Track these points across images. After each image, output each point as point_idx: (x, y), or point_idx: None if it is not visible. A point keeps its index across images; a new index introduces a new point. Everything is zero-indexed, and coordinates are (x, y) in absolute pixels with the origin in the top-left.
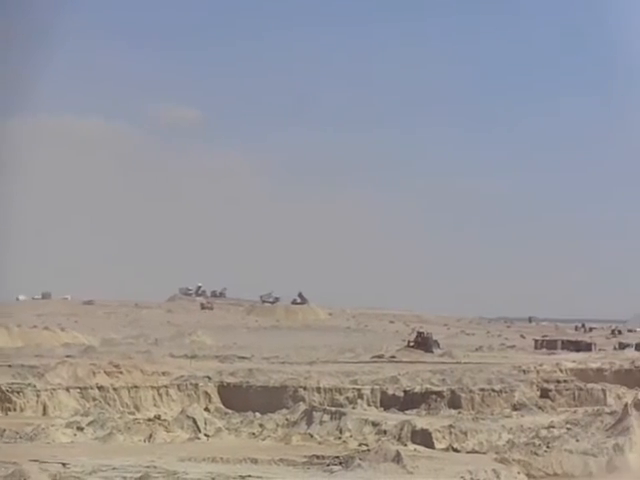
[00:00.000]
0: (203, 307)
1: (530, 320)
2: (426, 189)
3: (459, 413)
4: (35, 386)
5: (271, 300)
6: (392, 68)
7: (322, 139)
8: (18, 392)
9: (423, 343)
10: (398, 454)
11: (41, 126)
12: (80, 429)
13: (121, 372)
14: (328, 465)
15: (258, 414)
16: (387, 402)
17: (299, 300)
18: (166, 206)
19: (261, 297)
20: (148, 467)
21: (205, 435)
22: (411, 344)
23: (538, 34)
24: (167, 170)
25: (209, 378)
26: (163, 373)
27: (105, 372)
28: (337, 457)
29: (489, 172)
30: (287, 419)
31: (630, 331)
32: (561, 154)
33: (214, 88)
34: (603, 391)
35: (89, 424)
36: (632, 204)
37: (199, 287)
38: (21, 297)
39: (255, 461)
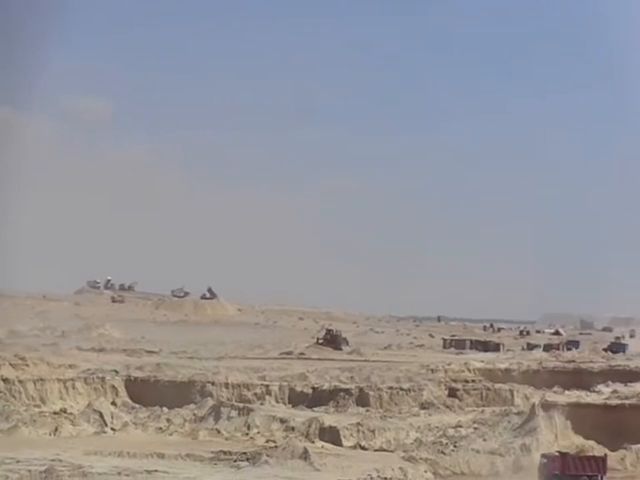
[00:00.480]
0: (114, 300)
1: (439, 319)
2: (333, 187)
3: (367, 411)
4: None
5: (181, 295)
6: (280, 68)
7: (234, 136)
8: None
9: (332, 340)
10: (305, 451)
11: None
12: None
13: (27, 365)
14: (235, 461)
15: (165, 409)
16: (295, 399)
17: (208, 295)
18: (76, 197)
19: (172, 292)
20: (53, 460)
21: (112, 429)
22: (320, 341)
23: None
24: (78, 161)
25: (116, 372)
26: (70, 366)
27: (10, 364)
28: (244, 453)
29: (392, 170)
30: (195, 414)
31: (538, 332)
32: (465, 157)
33: (125, 79)
34: (511, 391)
35: None
36: (542, 207)
37: (108, 280)
38: None
39: (162, 456)
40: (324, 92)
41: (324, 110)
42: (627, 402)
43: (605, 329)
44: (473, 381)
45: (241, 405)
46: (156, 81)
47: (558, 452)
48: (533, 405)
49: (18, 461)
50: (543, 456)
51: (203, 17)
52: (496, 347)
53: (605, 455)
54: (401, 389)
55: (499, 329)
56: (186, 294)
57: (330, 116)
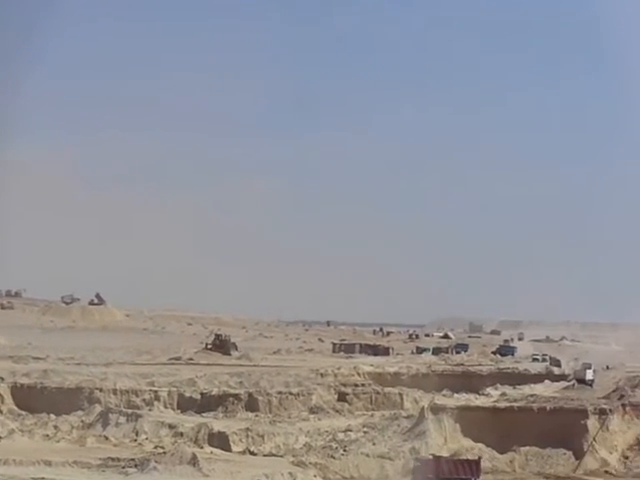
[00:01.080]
0: (2, 307)
1: (328, 324)
2: (221, 190)
3: (256, 416)
4: None
5: (69, 301)
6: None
7: (121, 139)
8: None
9: (221, 346)
10: (194, 457)
11: None
12: None
13: None
14: (123, 467)
15: (53, 415)
16: (184, 404)
17: (96, 301)
18: None
19: (62, 298)
20: None
21: None
22: (209, 346)
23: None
24: None
25: (2, 379)
26: None
27: None
28: (132, 459)
29: (276, 172)
30: (82, 421)
31: (427, 335)
32: (348, 157)
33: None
34: (400, 395)
35: None
36: (430, 210)
37: None
38: None
39: (49, 463)
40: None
41: (206, 115)
42: (516, 405)
43: (493, 332)
44: (363, 385)
45: (129, 411)
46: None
47: (432, 455)
48: (422, 409)
49: None
50: (416, 460)
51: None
52: (385, 351)
53: (479, 458)
54: (290, 394)
55: (389, 333)
56: (75, 300)
57: (203, 122)
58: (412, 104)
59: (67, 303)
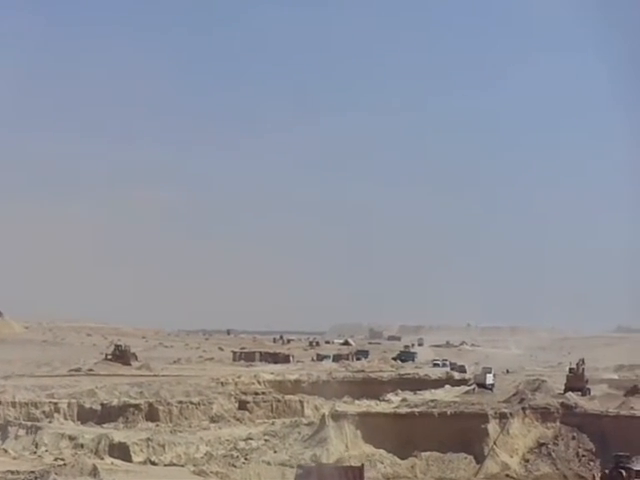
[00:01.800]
0: None
1: (229, 332)
2: (121, 200)
3: (157, 426)
4: None
5: None
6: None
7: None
8: None
9: (121, 356)
10: (95, 468)
11: None
12: None
13: None
14: None
15: None
16: (84, 416)
17: None
18: None
19: None
20: None
21: None
22: (109, 357)
23: None
24: None
25: None
26: None
27: None
28: (32, 472)
29: (186, 181)
30: None
31: (327, 342)
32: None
33: None
34: (301, 402)
35: None
36: (330, 217)
37: None
38: None
39: None
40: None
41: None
42: (417, 410)
43: (393, 338)
44: (263, 393)
45: (29, 424)
46: None
47: (314, 463)
48: (323, 416)
49: None
50: (299, 467)
51: None
52: (286, 359)
53: (362, 465)
54: (191, 403)
55: (289, 340)
56: None
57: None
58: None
59: None
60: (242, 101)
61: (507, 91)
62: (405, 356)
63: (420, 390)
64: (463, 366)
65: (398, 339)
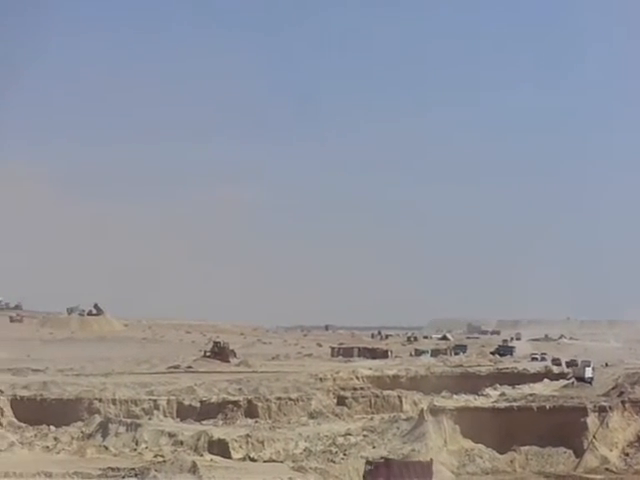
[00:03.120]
0: (12, 320)
1: (327, 328)
2: (216, 199)
3: (256, 422)
4: None
5: (74, 312)
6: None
7: (112, 151)
8: None
9: (219, 353)
10: (194, 465)
11: None
12: None
13: None
14: (123, 477)
15: (53, 427)
16: (183, 413)
17: (95, 311)
18: None
19: (68, 309)
20: None
21: None
22: (208, 354)
23: None
24: None
25: (1, 392)
26: None
27: None
28: (133, 469)
29: (269, 179)
30: (82, 432)
31: (426, 337)
32: (340, 162)
33: None
34: (399, 397)
35: None
36: (425, 212)
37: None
38: None
39: (49, 475)
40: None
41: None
42: (515, 404)
43: (494, 332)
44: (362, 389)
45: (129, 421)
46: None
47: (383, 458)
48: (422, 411)
49: None
50: (367, 463)
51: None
52: (384, 354)
53: (431, 460)
54: (289, 399)
55: (387, 336)
56: (81, 311)
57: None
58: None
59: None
60: (326, 98)
61: (569, 85)
62: (503, 350)
63: (518, 384)
64: (558, 359)
65: (498, 333)
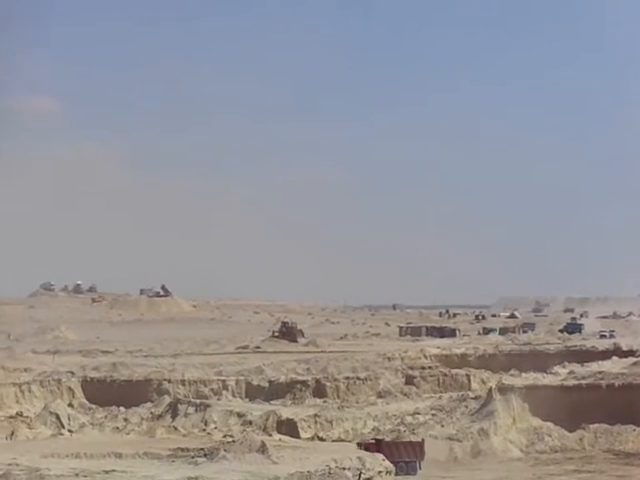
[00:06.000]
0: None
1: (394, 307)
2: (283, 179)
3: (324, 402)
4: None
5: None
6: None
7: (184, 131)
8: None
9: (288, 333)
10: (263, 444)
11: None
12: None
13: None
14: (193, 457)
15: (122, 408)
16: (252, 393)
17: (162, 293)
18: (24, 198)
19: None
20: (10, 465)
21: (69, 431)
22: (276, 334)
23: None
24: (26, 163)
25: (72, 373)
26: (25, 370)
27: None
28: (202, 449)
29: (340, 161)
30: (152, 412)
31: (494, 316)
32: (409, 142)
33: (71, 78)
34: (467, 376)
35: None
36: (491, 190)
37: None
38: None
39: (119, 455)
40: (278, 86)
41: (277, 103)
42: (584, 382)
43: (567, 310)
44: (430, 367)
45: (198, 401)
46: (103, 78)
47: (373, 439)
48: (490, 389)
49: None
50: (358, 444)
51: (143, 12)
52: (452, 333)
53: (422, 440)
54: (358, 378)
55: (455, 315)
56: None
57: (281, 109)
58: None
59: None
60: (402, 80)
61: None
62: (572, 328)
63: (587, 362)
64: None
65: (571, 311)
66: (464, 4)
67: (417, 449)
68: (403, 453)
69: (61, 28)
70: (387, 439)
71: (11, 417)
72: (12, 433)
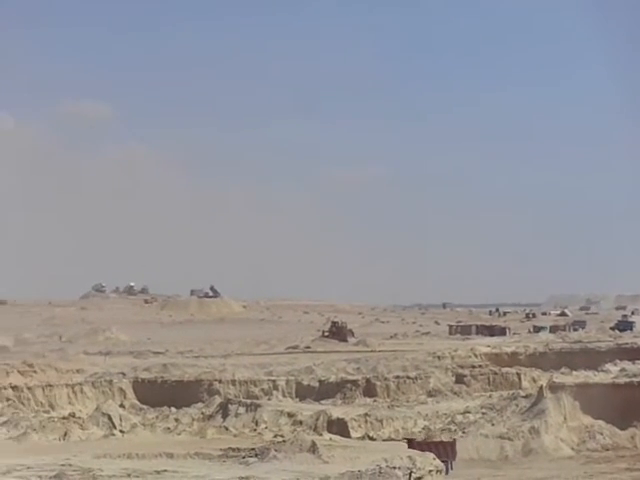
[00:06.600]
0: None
1: (444, 306)
2: (332, 180)
3: (374, 401)
4: None
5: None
6: (278, 65)
7: (235, 133)
8: None
9: (338, 332)
10: (314, 444)
11: None
12: None
13: (35, 371)
14: (244, 457)
15: (173, 409)
16: (302, 393)
17: (211, 294)
18: (75, 203)
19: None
20: (63, 465)
21: (120, 431)
22: (326, 334)
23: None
24: (77, 166)
25: (124, 374)
26: (77, 371)
27: (19, 372)
28: (253, 449)
29: (390, 162)
30: (203, 413)
31: (544, 314)
32: (459, 145)
33: (123, 82)
34: (518, 375)
35: (3, 424)
36: (541, 190)
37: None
38: None
39: (171, 456)
40: (325, 87)
41: (324, 105)
42: (635, 380)
43: (618, 308)
44: (480, 366)
45: (249, 401)
46: (154, 80)
47: (405, 438)
48: (541, 387)
49: (28, 467)
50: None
51: (196, 15)
52: (502, 331)
53: (454, 440)
54: (408, 378)
55: (505, 313)
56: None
57: (330, 111)
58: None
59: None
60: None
61: None
62: (623, 325)
63: (639, 360)
64: None
65: (622, 308)
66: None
67: (448, 449)
68: (434, 453)
69: (109, 35)
70: (418, 439)
71: (64, 418)
72: (65, 434)
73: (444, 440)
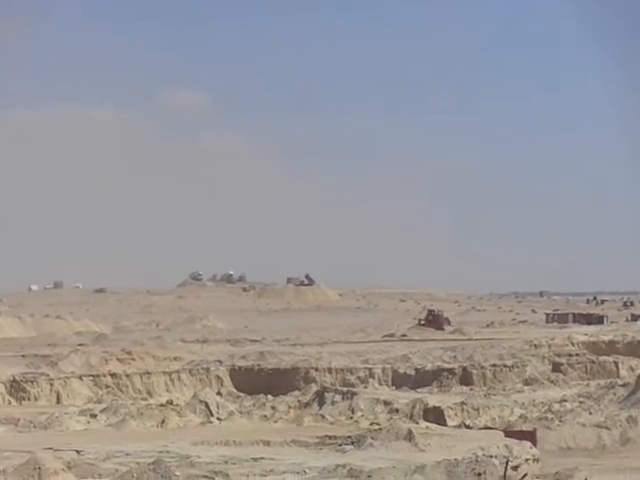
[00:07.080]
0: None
1: (541, 294)
2: (431, 166)
3: (471, 390)
4: (48, 375)
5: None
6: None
7: (330, 123)
8: (32, 381)
9: (434, 321)
10: (410, 432)
11: (50, 117)
12: (93, 416)
13: (133, 359)
14: (340, 445)
15: (270, 396)
16: (399, 381)
17: (306, 282)
18: (174, 192)
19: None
20: (161, 452)
21: (217, 419)
22: (422, 322)
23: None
24: (174, 155)
25: (220, 362)
26: (175, 358)
27: (117, 359)
28: (349, 437)
29: (472, 148)
30: (299, 401)
31: None
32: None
33: (220, 72)
34: (615, 363)
35: (102, 411)
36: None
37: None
38: (33, 287)
39: (267, 443)
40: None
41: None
42: None
43: None
44: (577, 355)
45: (345, 389)
46: (247, 70)
47: (484, 427)
48: (639, 376)
49: (127, 454)
50: None
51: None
52: (600, 319)
53: (534, 429)
54: (504, 366)
55: (602, 301)
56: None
57: (428, 106)
58: None
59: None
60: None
61: None
62: None
63: None
64: None
65: None
66: None
67: (528, 438)
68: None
69: (204, 27)
70: (500, 429)
71: (162, 405)
72: (163, 421)
73: (524, 429)
